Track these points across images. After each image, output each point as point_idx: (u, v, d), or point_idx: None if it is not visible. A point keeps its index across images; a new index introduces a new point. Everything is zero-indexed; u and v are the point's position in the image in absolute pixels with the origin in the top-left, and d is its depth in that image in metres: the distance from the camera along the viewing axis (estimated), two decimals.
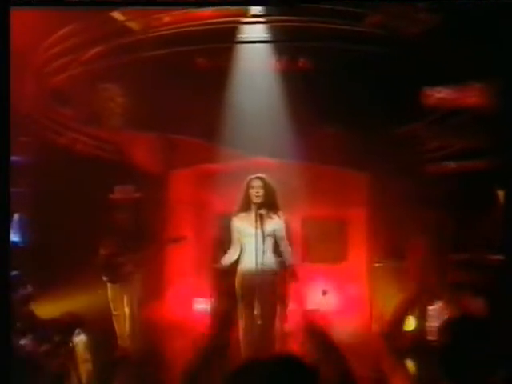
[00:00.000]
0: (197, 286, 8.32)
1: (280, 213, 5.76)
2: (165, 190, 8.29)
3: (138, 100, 7.20)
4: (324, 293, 8.10)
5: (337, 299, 8.17)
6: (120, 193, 6.61)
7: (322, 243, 8.25)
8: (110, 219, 6.58)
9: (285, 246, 5.79)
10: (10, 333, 4.43)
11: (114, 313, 6.50)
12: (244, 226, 5.70)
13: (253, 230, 5.62)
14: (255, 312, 5.50)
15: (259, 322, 5.50)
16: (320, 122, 7.61)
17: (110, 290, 6.49)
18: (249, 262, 5.63)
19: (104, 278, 6.46)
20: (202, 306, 8.21)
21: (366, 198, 8.20)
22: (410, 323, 6.48)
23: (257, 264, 5.52)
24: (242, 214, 5.75)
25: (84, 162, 7.31)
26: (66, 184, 7.00)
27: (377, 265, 7.16)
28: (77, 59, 6.23)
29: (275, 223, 5.71)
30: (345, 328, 7.05)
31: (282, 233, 5.76)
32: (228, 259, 5.76)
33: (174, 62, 6.96)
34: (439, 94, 6.43)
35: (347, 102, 7.17)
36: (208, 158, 7.96)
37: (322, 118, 7.48)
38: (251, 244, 5.61)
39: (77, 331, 5.40)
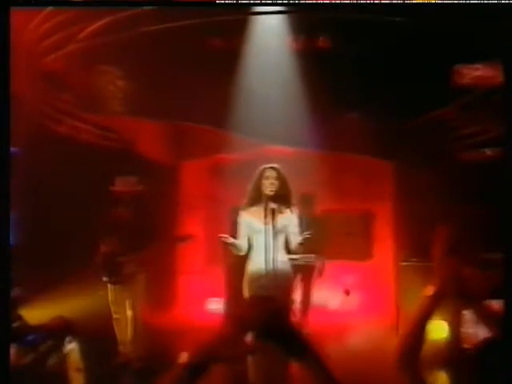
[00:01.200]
0: (210, 285, 7.81)
1: (293, 207, 5.20)
2: (174, 182, 7.80)
3: (141, 83, 6.71)
4: (347, 292, 7.58)
5: (360, 299, 7.72)
6: (121, 185, 6.04)
7: (344, 238, 7.75)
8: (111, 214, 6.02)
9: (297, 244, 5.19)
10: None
11: (115, 316, 5.93)
12: (253, 221, 5.15)
13: (262, 226, 5.07)
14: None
15: None
16: (341, 107, 7.11)
17: (110, 291, 5.93)
18: (258, 262, 5.08)
19: (104, 279, 5.91)
20: (216, 306, 7.71)
21: (392, 190, 7.69)
22: (443, 329, 5.86)
23: (267, 263, 4.99)
24: (253, 208, 5.18)
25: (85, 151, 6.85)
26: (63, 176, 6.50)
27: (404, 263, 6.54)
28: (71, 37, 5.69)
29: (287, 218, 5.17)
30: (367, 331, 6.55)
31: (295, 229, 5.20)
32: (238, 244, 5.16)
33: (181, 41, 6.45)
34: (476, 72, 5.76)
35: (371, 84, 6.70)
36: (220, 148, 7.51)
37: (343, 103, 6.99)
38: (260, 241, 5.07)
39: (68, 338, 4.88)
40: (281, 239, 5.13)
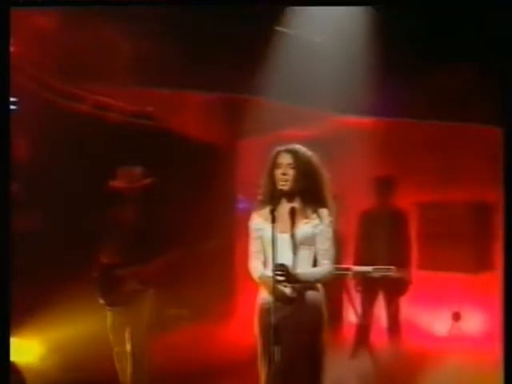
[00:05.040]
0: None
1: (323, 210, 3.94)
2: (227, 167, 6.77)
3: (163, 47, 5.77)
4: (456, 317, 6.27)
5: (475, 326, 6.50)
6: (123, 179, 5.13)
7: (449, 242, 6.52)
8: (111, 216, 5.17)
9: (325, 265, 3.94)
10: None
11: (115, 349, 4.99)
12: (265, 228, 3.95)
13: (278, 235, 3.86)
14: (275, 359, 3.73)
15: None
16: (432, 62, 5.80)
17: (109, 316, 5.00)
18: (268, 286, 3.89)
19: (100, 301, 4.99)
20: None
21: None
22: None
23: (276, 289, 3.78)
24: (266, 209, 3.96)
25: (112, 134, 6.15)
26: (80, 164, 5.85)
27: None
28: None
29: (312, 226, 3.94)
30: (485, 370, 5.26)
31: (325, 243, 3.94)
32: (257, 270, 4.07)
33: None
34: None
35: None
36: (282, 122, 6.50)
37: (435, 56, 5.72)
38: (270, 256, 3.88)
39: None
40: (304, 255, 3.93)
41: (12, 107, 6.00)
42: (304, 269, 3.87)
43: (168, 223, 5.28)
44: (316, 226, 3.92)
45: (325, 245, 3.92)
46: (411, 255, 6.09)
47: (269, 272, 3.82)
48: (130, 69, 6.03)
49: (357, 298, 5.95)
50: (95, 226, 5.22)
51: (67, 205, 5.62)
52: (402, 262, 5.90)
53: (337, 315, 6.08)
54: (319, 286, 3.92)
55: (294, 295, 3.83)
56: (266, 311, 3.84)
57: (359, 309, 5.94)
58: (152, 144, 6.23)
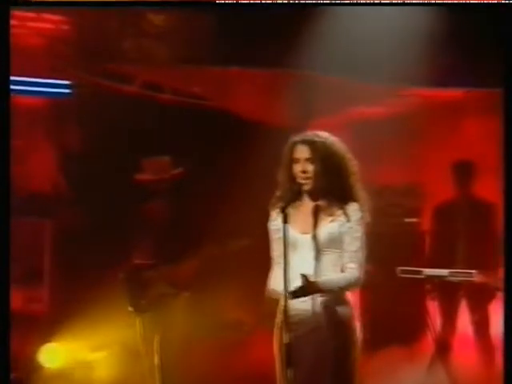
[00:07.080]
0: None
1: (351, 205, 3.43)
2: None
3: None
4: None
5: None
6: (150, 171, 4.87)
7: None
8: (141, 211, 4.91)
9: (351, 270, 3.38)
10: None
11: (147, 362, 4.59)
12: (282, 227, 3.39)
13: (298, 236, 3.42)
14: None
15: None
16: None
17: (139, 324, 4.65)
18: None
19: (129, 308, 4.67)
20: None
21: None
22: None
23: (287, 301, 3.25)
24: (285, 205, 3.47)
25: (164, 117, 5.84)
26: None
27: None
28: None
29: (339, 223, 3.43)
30: None
31: (353, 244, 3.40)
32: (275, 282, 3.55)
33: None
34: None
35: None
36: (352, 99, 5.95)
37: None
38: (294, 260, 3.40)
39: None
40: (331, 260, 3.40)
41: (60, 91, 6.12)
42: (328, 275, 3.30)
43: (206, 219, 4.86)
44: (343, 223, 3.37)
45: (352, 246, 3.35)
46: (500, 256, 5.17)
47: (279, 286, 3.26)
48: (180, 47, 5.86)
49: (432, 306, 5.19)
50: (128, 222, 5.02)
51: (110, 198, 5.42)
52: (489, 263, 5.13)
53: (410, 325, 5.38)
54: (348, 297, 3.35)
55: (313, 311, 3.28)
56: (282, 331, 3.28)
57: (436, 319, 5.18)
58: (206, 127, 5.88)
